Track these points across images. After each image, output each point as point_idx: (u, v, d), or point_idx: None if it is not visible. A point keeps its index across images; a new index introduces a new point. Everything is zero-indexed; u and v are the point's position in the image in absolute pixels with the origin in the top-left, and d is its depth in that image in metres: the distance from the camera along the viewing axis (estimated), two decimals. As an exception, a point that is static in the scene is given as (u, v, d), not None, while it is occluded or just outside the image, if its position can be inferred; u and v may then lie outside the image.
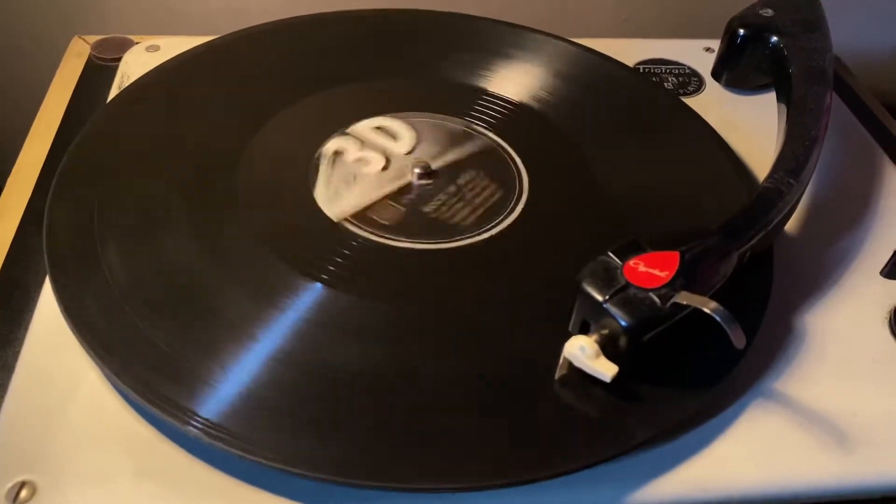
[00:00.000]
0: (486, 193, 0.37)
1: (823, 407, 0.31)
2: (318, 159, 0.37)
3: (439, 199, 0.36)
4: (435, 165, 0.38)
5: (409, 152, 0.39)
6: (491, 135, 0.40)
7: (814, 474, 0.29)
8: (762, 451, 0.29)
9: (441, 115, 0.41)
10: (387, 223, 0.35)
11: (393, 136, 0.39)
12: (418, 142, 0.39)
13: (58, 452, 0.27)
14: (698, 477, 0.28)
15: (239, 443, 0.26)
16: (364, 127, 0.39)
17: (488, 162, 0.39)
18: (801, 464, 0.29)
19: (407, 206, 0.36)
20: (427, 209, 0.36)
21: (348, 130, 0.39)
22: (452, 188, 0.37)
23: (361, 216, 0.35)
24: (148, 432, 0.28)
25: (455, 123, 0.41)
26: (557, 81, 0.44)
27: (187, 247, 0.33)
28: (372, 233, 0.34)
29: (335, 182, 0.36)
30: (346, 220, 0.34)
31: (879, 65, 0.67)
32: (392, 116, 0.40)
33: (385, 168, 0.38)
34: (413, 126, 0.40)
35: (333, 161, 0.37)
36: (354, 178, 0.36)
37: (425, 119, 0.40)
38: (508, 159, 0.39)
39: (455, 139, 0.40)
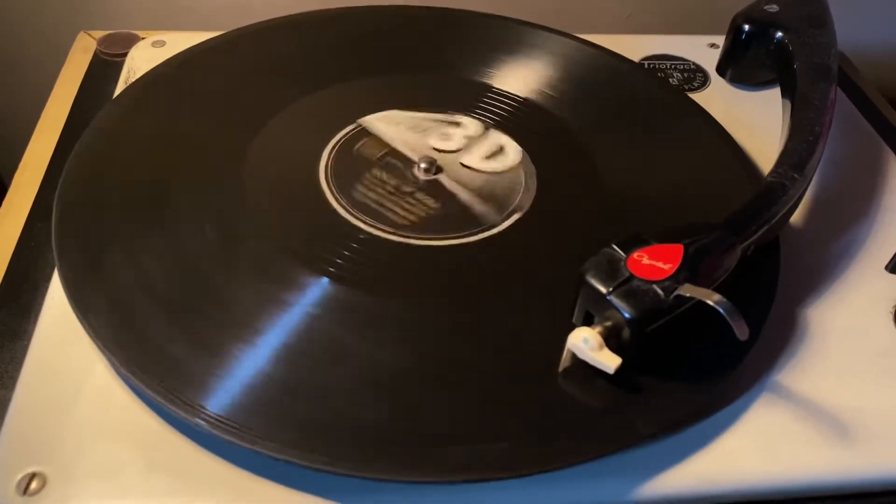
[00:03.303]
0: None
1: (829, 401, 0.31)
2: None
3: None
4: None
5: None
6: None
7: (819, 468, 0.29)
8: (768, 446, 0.29)
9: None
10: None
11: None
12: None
13: (67, 444, 0.27)
14: (704, 471, 0.28)
15: (247, 435, 0.26)
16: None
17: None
18: (806, 458, 0.29)
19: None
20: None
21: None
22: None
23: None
24: (156, 425, 0.28)
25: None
26: (563, 77, 0.44)
27: (194, 240, 0.33)
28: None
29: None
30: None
31: (884, 60, 0.67)
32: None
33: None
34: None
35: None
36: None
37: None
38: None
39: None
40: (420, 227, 0.35)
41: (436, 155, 0.38)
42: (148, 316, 0.30)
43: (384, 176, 0.37)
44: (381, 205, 0.35)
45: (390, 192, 0.36)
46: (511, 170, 0.38)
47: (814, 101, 0.38)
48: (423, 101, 0.41)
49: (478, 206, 0.36)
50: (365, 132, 0.39)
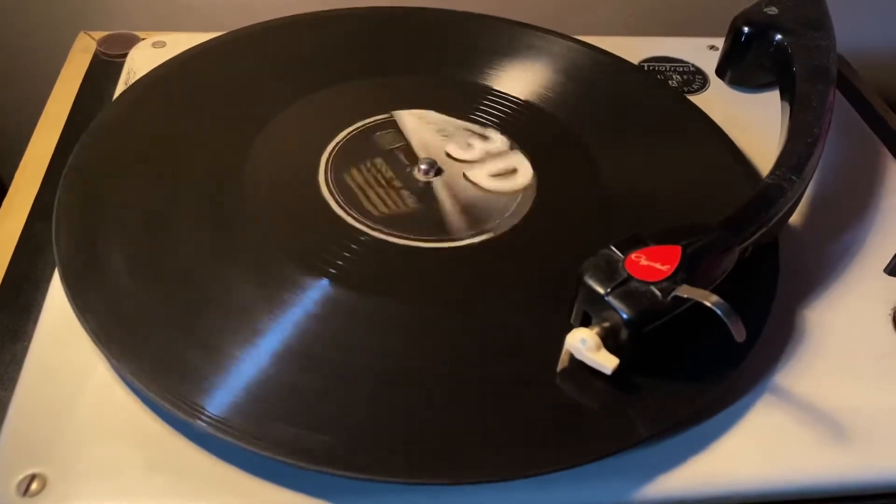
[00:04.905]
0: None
1: (828, 403, 0.31)
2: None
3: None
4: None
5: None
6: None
7: (819, 470, 0.29)
8: (767, 447, 0.29)
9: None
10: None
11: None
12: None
13: (67, 445, 0.27)
14: (703, 472, 0.28)
15: (247, 436, 0.26)
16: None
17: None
18: (805, 459, 0.29)
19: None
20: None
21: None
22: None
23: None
24: (157, 426, 0.28)
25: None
26: (562, 79, 0.44)
27: (195, 241, 0.33)
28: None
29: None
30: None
31: (883, 63, 0.67)
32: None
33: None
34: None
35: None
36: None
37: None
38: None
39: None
40: (385, 221, 0.35)
41: (445, 160, 0.38)
42: (148, 316, 0.30)
43: (384, 167, 0.37)
44: (363, 190, 0.36)
45: (379, 183, 0.36)
46: (512, 192, 0.37)
47: (813, 103, 0.38)
48: (423, 102, 0.41)
49: (454, 218, 0.36)
50: (391, 123, 0.40)
